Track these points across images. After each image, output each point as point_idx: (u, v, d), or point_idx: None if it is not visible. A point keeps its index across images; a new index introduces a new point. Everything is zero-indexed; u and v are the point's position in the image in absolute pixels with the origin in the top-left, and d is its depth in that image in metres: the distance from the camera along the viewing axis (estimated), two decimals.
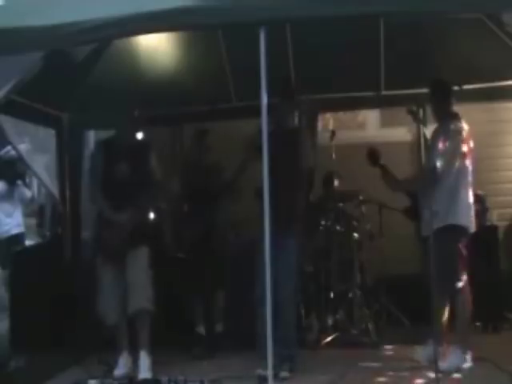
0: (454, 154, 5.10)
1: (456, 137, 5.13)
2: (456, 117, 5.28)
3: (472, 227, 5.20)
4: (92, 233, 5.49)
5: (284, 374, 4.98)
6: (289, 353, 5.04)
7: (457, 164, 5.11)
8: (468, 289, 5.13)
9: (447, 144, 5.08)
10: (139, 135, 5.49)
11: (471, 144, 5.28)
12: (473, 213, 5.23)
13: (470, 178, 5.23)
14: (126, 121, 5.39)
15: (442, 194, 5.07)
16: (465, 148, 5.17)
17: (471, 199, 5.23)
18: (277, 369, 4.83)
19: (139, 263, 5.23)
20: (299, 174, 5.24)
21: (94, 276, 5.34)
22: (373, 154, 5.56)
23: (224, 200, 6.02)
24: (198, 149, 6.26)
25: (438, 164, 5.05)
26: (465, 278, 5.11)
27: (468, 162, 5.21)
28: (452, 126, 5.16)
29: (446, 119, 5.24)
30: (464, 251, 5.13)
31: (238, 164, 5.54)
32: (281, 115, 5.28)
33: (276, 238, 4.09)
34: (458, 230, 5.11)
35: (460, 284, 5.08)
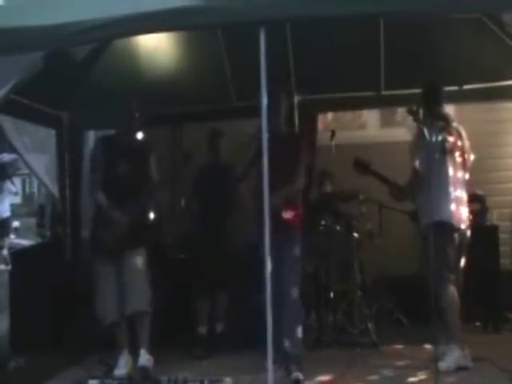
0: (431, 151, 5.11)
1: (432, 134, 5.15)
2: (442, 117, 5.30)
3: (460, 223, 5.20)
4: (90, 230, 5.49)
5: (296, 374, 4.92)
6: (297, 353, 5.00)
7: (435, 160, 5.11)
8: (454, 287, 5.13)
9: (422, 142, 5.11)
10: (139, 135, 5.49)
11: (461, 141, 5.31)
12: (460, 209, 5.23)
13: (454, 174, 5.24)
14: (127, 120, 5.39)
15: (428, 192, 5.08)
16: (447, 145, 5.19)
17: (458, 195, 5.25)
18: (285, 369, 4.91)
19: (136, 264, 5.23)
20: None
21: (93, 275, 5.34)
22: (360, 164, 5.55)
23: (235, 200, 6.03)
24: (211, 149, 6.26)
25: (417, 163, 5.15)
26: (451, 276, 5.12)
27: (452, 159, 5.23)
28: (429, 126, 5.19)
29: (432, 119, 5.25)
30: (454, 249, 5.14)
31: (244, 165, 5.51)
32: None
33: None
34: (442, 227, 5.12)
35: (447, 281, 5.09)
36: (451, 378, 4.83)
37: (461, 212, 5.25)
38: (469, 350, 5.10)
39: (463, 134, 5.41)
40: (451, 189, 5.23)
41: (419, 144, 5.17)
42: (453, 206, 5.20)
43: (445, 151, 5.18)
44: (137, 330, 5.26)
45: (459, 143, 5.32)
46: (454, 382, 4.80)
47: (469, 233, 5.33)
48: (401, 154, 5.61)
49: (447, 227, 5.14)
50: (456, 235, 5.19)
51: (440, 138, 5.19)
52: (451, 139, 5.26)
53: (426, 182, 5.10)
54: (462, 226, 5.24)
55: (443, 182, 5.18)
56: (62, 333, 6.24)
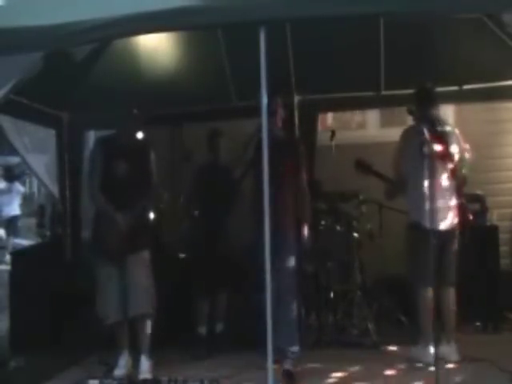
0: (413, 152, 5.15)
1: (414, 138, 5.18)
2: (429, 120, 5.32)
3: (432, 225, 5.14)
4: (91, 232, 5.49)
5: (288, 365, 5.01)
6: (292, 350, 5.06)
7: (414, 164, 5.17)
8: (426, 292, 5.28)
9: (406, 146, 5.26)
10: (139, 135, 5.49)
11: (448, 144, 5.37)
12: (441, 210, 5.24)
13: (436, 177, 5.24)
14: (126, 120, 5.39)
15: (408, 193, 5.32)
16: (425, 148, 5.17)
17: (434, 197, 5.24)
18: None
19: (140, 266, 5.23)
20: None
21: (93, 275, 5.34)
22: (361, 164, 5.58)
23: (234, 200, 6.03)
24: (210, 148, 6.26)
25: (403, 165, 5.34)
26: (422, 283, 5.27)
27: (434, 162, 5.22)
28: (414, 129, 5.24)
29: (422, 123, 5.26)
30: (434, 250, 5.14)
31: (244, 164, 5.52)
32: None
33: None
34: (415, 228, 5.24)
35: (416, 285, 5.32)
36: (451, 378, 4.84)
37: (442, 213, 5.25)
38: (456, 345, 5.21)
39: (456, 136, 5.44)
40: (431, 190, 5.21)
41: (408, 144, 5.26)
42: (429, 207, 5.13)
43: (423, 154, 5.17)
44: (138, 333, 5.26)
45: (442, 147, 5.32)
46: (454, 382, 4.80)
47: (455, 234, 5.39)
48: None
49: (419, 228, 5.20)
50: (431, 236, 5.18)
51: (420, 140, 5.19)
52: (434, 143, 5.26)
53: (407, 183, 5.30)
54: (442, 227, 5.26)
55: (421, 183, 5.17)
56: (62, 333, 6.24)
